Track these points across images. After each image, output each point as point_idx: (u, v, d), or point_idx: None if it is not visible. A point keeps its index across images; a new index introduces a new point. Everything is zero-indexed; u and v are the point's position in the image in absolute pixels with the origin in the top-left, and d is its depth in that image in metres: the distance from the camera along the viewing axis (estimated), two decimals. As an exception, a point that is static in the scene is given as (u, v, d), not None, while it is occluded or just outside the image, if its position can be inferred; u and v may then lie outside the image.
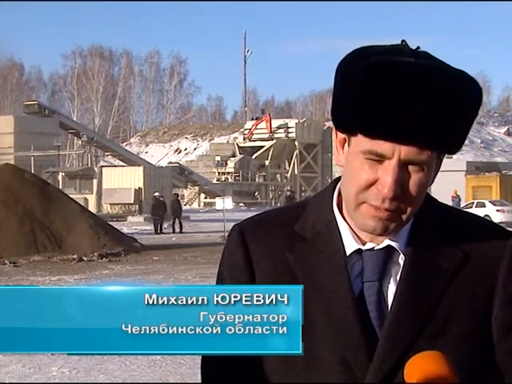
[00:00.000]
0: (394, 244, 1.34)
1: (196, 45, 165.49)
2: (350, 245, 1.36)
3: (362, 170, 1.28)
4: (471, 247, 1.36)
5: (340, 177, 1.39)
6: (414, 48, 1.29)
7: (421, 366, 1.21)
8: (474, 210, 32.20)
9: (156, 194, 33.99)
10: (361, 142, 1.28)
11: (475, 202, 36.49)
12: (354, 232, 1.36)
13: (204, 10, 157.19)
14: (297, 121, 67.70)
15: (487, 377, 1.34)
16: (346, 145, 1.33)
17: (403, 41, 1.31)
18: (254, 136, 66.97)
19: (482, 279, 1.35)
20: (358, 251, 1.35)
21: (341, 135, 1.34)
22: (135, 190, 44.44)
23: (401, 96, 1.23)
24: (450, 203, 30.58)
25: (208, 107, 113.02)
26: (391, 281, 1.34)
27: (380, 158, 1.27)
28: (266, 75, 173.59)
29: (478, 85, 1.30)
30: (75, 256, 19.19)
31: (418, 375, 1.20)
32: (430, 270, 1.34)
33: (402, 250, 1.35)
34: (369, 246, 1.35)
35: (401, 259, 1.35)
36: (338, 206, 1.39)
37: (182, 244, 24.59)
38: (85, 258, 19.20)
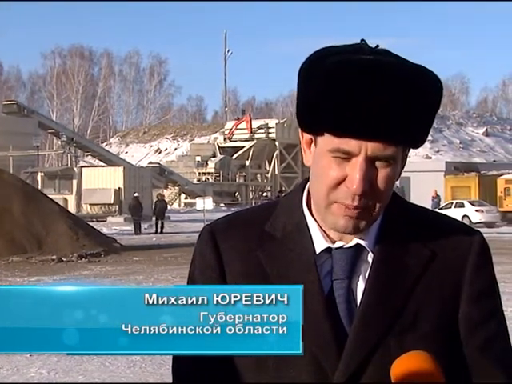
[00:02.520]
0: (362, 242, 1.36)
1: (176, 45, 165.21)
2: (320, 243, 1.37)
3: (330, 168, 1.29)
4: (438, 245, 1.38)
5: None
6: (373, 46, 1.31)
7: (407, 364, 1.22)
8: (452, 211, 32.39)
9: (136, 194, 33.88)
10: (327, 140, 1.29)
11: (454, 202, 36.67)
12: (324, 231, 1.37)
13: (184, 9, 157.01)
14: (277, 121, 67.62)
15: (455, 373, 1.35)
16: (313, 145, 1.34)
17: (362, 40, 1.32)
18: (235, 136, 66.88)
19: (449, 276, 1.37)
20: (328, 250, 1.37)
21: (307, 136, 1.35)
22: (115, 190, 44.23)
23: (362, 93, 1.25)
24: (429, 203, 30.79)
25: (188, 107, 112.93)
26: (360, 279, 1.36)
27: (347, 156, 1.28)
28: (247, 75, 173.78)
29: (438, 78, 1.32)
30: (54, 257, 19.07)
31: (405, 374, 1.21)
32: (398, 268, 1.35)
33: (370, 248, 1.36)
34: (338, 244, 1.36)
35: (370, 257, 1.36)
36: (307, 205, 1.40)
37: (162, 244, 24.50)
38: (64, 259, 19.08)
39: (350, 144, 1.27)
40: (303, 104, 1.32)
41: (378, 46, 1.31)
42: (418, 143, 1.33)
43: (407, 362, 1.22)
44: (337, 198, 1.30)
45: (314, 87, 1.28)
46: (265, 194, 36.18)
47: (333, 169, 1.29)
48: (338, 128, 1.27)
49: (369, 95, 1.24)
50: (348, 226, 1.31)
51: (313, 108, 1.29)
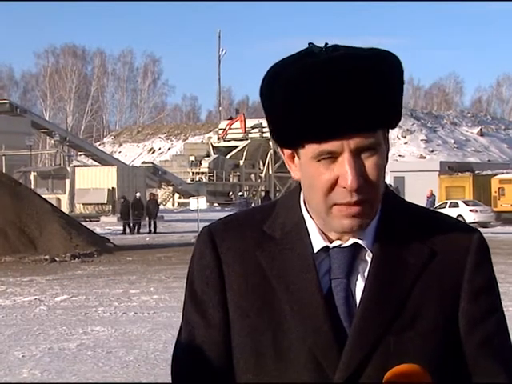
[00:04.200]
0: (360, 241, 1.35)
1: (170, 44, 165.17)
2: (318, 242, 1.36)
3: (320, 173, 1.29)
4: (437, 243, 1.37)
5: None
6: (321, 46, 1.31)
7: (396, 369, 1.24)
8: (447, 210, 32.43)
9: (137, 194, 33.99)
10: (308, 149, 1.29)
11: (448, 201, 36.74)
12: (322, 231, 1.36)
13: (178, 8, 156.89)
14: (271, 121, 67.52)
15: (454, 371, 1.35)
16: (296, 158, 1.34)
17: (310, 43, 1.32)
18: (229, 136, 66.94)
19: (448, 274, 1.36)
20: (325, 249, 1.36)
21: (287, 151, 1.35)
22: (108, 189, 44.21)
23: (325, 94, 1.25)
24: (424, 203, 30.90)
25: (182, 107, 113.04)
26: (359, 278, 1.35)
27: (332, 156, 1.28)
28: (241, 75, 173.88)
29: (394, 55, 1.32)
30: (47, 257, 19.03)
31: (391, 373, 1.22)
32: (396, 266, 1.35)
33: (368, 247, 1.36)
34: (336, 243, 1.36)
35: (368, 256, 1.36)
36: (305, 205, 1.39)
37: (155, 244, 24.50)
38: (57, 259, 19.04)
39: (331, 144, 1.27)
40: (273, 123, 1.32)
41: (326, 43, 1.31)
42: (394, 122, 1.33)
43: (397, 369, 1.24)
44: (335, 200, 1.29)
45: (278, 104, 1.28)
46: (240, 193, 35.96)
47: (322, 173, 1.29)
48: (315, 135, 1.27)
49: (332, 94, 1.25)
50: (354, 224, 1.30)
51: (284, 124, 1.29)
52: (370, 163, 1.29)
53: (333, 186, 1.29)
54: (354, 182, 1.26)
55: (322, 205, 1.31)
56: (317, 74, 1.26)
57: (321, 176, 1.29)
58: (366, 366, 1.31)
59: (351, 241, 1.35)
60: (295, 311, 1.33)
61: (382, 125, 1.30)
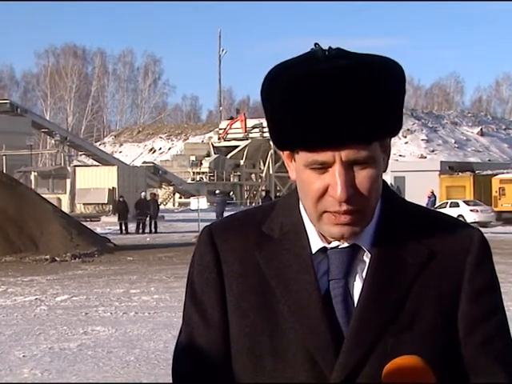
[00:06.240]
0: (358, 242, 1.35)
1: (170, 44, 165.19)
2: (316, 243, 1.36)
3: (311, 181, 1.30)
4: (437, 243, 1.37)
5: None
6: (326, 49, 1.30)
7: (397, 362, 1.24)
8: (447, 210, 32.41)
9: (142, 193, 34.05)
10: (302, 156, 1.30)
11: (449, 201, 36.72)
12: (320, 232, 1.36)
13: (178, 8, 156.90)
14: (272, 120, 67.48)
15: (453, 372, 1.35)
16: (293, 160, 1.34)
17: (316, 43, 1.32)
18: (229, 136, 66.97)
19: (448, 275, 1.36)
20: (324, 250, 1.36)
21: (286, 152, 1.35)
22: (109, 189, 44.19)
23: (321, 105, 1.24)
24: (424, 202, 30.91)
25: (183, 106, 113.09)
26: (357, 278, 1.35)
27: (324, 166, 1.28)
28: (241, 75, 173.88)
29: (397, 64, 1.31)
30: (48, 256, 19.02)
31: (394, 368, 1.22)
32: (395, 267, 1.34)
33: (366, 247, 1.35)
34: (334, 244, 1.36)
35: (366, 257, 1.36)
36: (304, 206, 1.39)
37: (156, 244, 24.49)
38: (58, 259, 19.03)
39: (323, 155, 1.27)
40: (271, 126, 1.32)
41: (330, 47, 1.30)
42: (392, 133, 1.31)
43: (398, 362, 1.23)
44: (325, 207, 1.30)
45: (275, 108, 1.29)
46: (217, 191, 35.82)
47: (313, 181, 1.29)
48: (307, 144, 1.27)
49: (328, 103, 1.24)
50: (343, 232, 1.31)
51: (279, 128, 1.30)
52: (362, 175, 1.28)
53: (323, 194, 1.29)
54: (342, 194, 1.26)
55: (313, 211, 1.31)
56: (315, 81, 1.25)
57: (312, 184, 1.29)
58: (364, 366, 1.30)
59: (349, 242, 1.35)
60: (293, 311, 1.33)
61: (378, 137, 1.29)
